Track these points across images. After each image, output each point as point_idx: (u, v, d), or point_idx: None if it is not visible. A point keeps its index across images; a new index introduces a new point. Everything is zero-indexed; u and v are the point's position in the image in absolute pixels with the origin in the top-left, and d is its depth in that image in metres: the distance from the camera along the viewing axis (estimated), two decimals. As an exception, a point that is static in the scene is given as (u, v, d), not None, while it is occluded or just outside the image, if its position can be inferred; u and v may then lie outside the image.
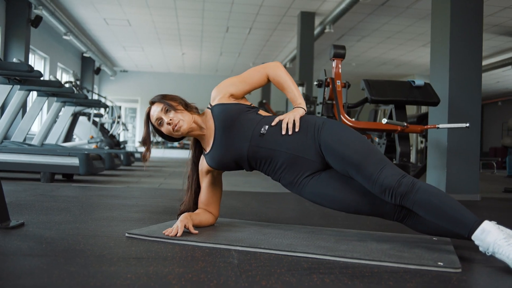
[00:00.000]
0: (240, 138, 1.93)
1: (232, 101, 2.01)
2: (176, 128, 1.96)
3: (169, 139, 2.06)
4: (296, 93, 2.03)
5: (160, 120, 1.98)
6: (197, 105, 2.11)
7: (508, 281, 1.39)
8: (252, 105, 2.05)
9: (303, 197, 1.94)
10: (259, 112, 2.02)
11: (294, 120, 1.92)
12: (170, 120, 1.96)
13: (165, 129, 1.98)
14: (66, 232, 1.87)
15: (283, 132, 1.89)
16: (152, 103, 2.03)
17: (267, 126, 1.93)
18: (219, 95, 2.02)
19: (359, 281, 1.30)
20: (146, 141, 2.04)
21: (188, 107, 2.03)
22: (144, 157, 2.07)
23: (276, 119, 1.95)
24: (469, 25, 4.40)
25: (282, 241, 1.77)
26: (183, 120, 1.97)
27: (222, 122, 1.95)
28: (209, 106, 2.05)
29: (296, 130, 1.90)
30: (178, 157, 14.66)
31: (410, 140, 3.97)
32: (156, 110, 1.99)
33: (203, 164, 2.08)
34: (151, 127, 2.04)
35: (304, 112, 1.98)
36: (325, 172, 1.89)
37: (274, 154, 1.90)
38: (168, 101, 1.99)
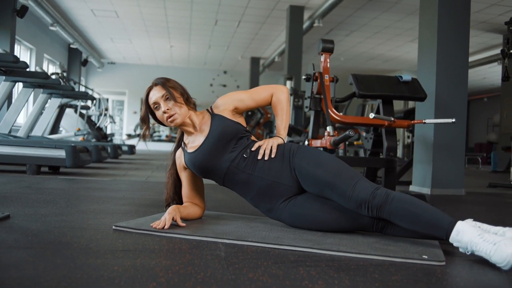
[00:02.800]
0: (225, 157, 1.96)
1: (233, 115, 2.04)
2: (170, 119, 1.97)
3: (159, 122, 2.07)
4: (284, 124, 2.09)
5: (157, 105, 1.99)
6: None
7: (489, 273, 1.42)
8: (247, 128, 2.09)
9: (282, 221, 1.98)
10: (251, 137, 2.05)
11: (271, 147, 1.96)
12: (167, 109, 1.97)
13: (159, 115, 1.99)
14: (53, 225, 1.86)
15: (259, 157, 1.94)
16: (155, 84, 2.02)
17: (249, 151, 1.97)
18: (223, 106, 2.05)
19: (345, 274, 1.32)
20: (145, 120, 2.04)
21: (188, 101, 2.04)
22: (143, 136, 2.11)
23: (256, 145, 1.99)
24: (456, 21, 4.44)
25: (269, 234, 1.79)
26: (179, 114, 1.98)
27: (217, 135, 1.97)
28: (209, 110, 2.07)
29: (272, 156, 1.94)
30: (165, 150, 14.61)
31: (397, 135, 4.00)
32: (156, 95, 1.99)
33: (181, 159, 2.09)
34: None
35: (283, 142, 2.03)
36: (301, 195, 1.93)
37: (251, 179, 1.94)
38: (170, 88, 1.99)
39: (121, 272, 1.23)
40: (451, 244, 1.60)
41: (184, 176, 2.11)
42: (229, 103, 2.05)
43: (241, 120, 2.08)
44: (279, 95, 2.10)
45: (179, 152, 2.12)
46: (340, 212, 1.85)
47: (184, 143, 2.09)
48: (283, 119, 2.09)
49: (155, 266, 1.30)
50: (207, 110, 2.08)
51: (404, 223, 1.68)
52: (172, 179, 2.16)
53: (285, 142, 2.04)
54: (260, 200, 1.96)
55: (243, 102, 2.07)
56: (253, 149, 1.97)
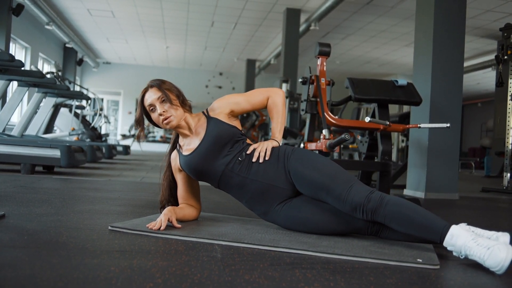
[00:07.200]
0: (220, 160, 1.96)
1: (228, 118, 2.04)
2: (166, 121, 1.97)
3: (154, 125, 2.07)
4: (279, 127, 2.09)
5: (153, 107, 1.98)
6: None
7: (482, 277, 1.43)
8: (242, 131, 2.08)
9: (278, 224, 1.99)
10: (246, 141, 2.06)
11: (266, 150, 1.97)
12: (163, 112, 1.96)
13: (155, 117, 1.99)
14: (48, 224, 1.86)
15: (254, 160, 1.94)
16: (150, 86, 2.01)
17: (244, 154, 1.97)
18: (219, 109, 2.05)
19: (341, 276, 1.33)
20: (140, 122, 2.04)
21: (184, 103, 2.03)
22: (138, 137, 2.12)
23: (251, 148, 1.99)
24: (452, 26, 4.47)
25: (265, 236, 1.79)
26: (175, 116, 1.97)
27: (213, 139, 1.97)
28: (205, 112, 2.06)
29: (267, 158, 1.94)
30: (160, 151, 14.58)
31: (391, 139, 4.02)
32: (152, 96, 1.98)
33: (176, 161, 2.09)
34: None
35: (278, 145, 2.03)
36: (296, 198, 1.94)
37: (246, 182, 1.94)
38: (166, 90, 1.98)
39: (118, 272, 1.23)
40: (445, 248, 1.61)
41: (179, 178, 2.11)
42: (225, 106, 2.05)
43: (237, 124, 2.08)
44: (275, 98, 2.10)
45: (174, 154, 2.11)
46: (335, 215, 1.85)
47: (179, 145, 2.09)
48: (278, 122, 2.09)
49: (152, 267, 1.30)
50: (203, 112, 2.07)
51: (398, 227, 1.69)
52: (168, 181, 2.15)
53: (280, 145, 2.05)
54: (255, 203, 1.97)
55: (239, 105, 2.07)
56: (247, 152, 1.98)
